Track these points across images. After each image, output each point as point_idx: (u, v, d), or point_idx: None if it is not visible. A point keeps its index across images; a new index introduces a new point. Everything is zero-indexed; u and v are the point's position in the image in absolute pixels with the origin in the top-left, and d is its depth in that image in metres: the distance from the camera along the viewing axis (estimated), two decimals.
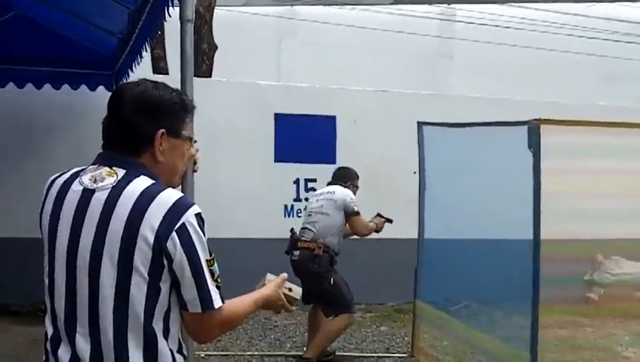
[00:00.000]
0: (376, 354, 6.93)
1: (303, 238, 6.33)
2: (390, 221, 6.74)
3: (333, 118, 8.67)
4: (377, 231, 6.68)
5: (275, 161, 8.53)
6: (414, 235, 6.88)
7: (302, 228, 6.46)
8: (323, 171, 8.54)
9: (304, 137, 8.55)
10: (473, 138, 6.01)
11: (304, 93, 8.80)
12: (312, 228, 6.31)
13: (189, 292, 1.97)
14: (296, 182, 8.60)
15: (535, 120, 4.81)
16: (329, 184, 6.71)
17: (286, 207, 8.61)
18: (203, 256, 1.98)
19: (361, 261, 8.58)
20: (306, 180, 8.61)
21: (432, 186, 6.68)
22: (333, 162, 8.56)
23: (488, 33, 11.26)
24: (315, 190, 8.58)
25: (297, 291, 2.38)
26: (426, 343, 6.87)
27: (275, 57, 10.40)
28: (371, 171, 8.63)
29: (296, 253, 6.32)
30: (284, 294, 2.33)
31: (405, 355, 6.76)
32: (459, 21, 11.53)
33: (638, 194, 6.32)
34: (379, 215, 6.74)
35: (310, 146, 8.58)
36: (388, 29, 10.38)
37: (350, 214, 6.38)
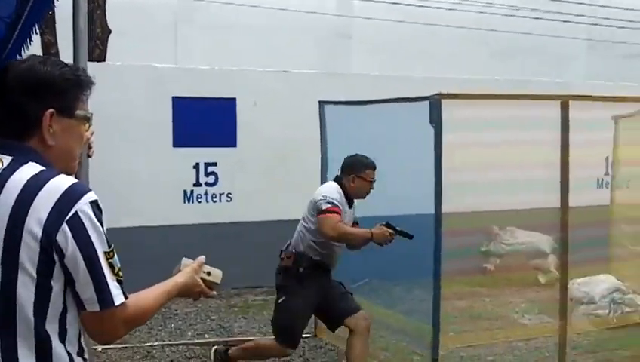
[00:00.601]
0: None
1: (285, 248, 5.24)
2: (409, 236, 5.14)
3: (233, 100, 8.53)
4: (380, 244, 5.09)
5: (174, 145, 8.31)
6: None
7: None
8: (224, 155, 8.49)
9: (203, 120, 8.36)
10: (375, 115, 6.07)
11: (202, 76, 8.60)
12: (294, 236, 5.22)
13: (86, 289, 1.77)
14: (196, 166, 8.41)
15: (436, 95, 4.90)
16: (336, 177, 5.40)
17: (185, 192, 8.40)
18: (100, 249, 1.78)
19: (262, 242, 8.53)
20: (206, 164, 8.44)
21: (334, 165, 6.68)
22: (234, 145, 8.50)
23: (387, 11, 11.35)
24: (215, 174, 8.55)
25: (217, 274, 2.21)
26: None
27: (173, 40, 10.16)
28: (274, 153, 8.60)
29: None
30: (203, 279, 2.16)
31: (309, 335, 6.70)
32: None
33: (531, 164, 6.54)
34: (387, 224, 5.08)
35: (210, 130, 8.41)
36: (285, 9, 10.31)
37: (318, 213, 4.99)
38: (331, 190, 5.09)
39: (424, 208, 5.14)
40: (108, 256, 1.80)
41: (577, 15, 14.53)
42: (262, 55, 9.97)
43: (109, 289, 1.79)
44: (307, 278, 5.02)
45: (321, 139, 6.78)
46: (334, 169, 6.60)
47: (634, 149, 7.12)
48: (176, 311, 7.55)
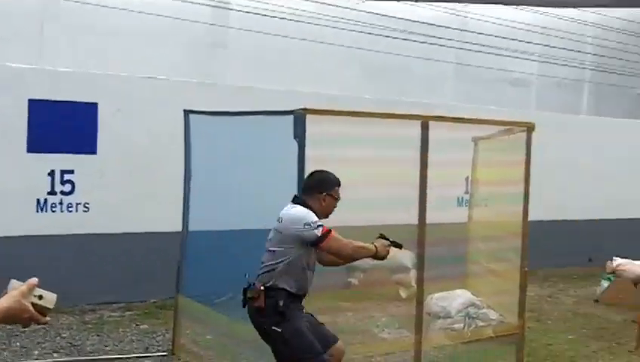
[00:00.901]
0: (135, 355, 6.58)
1: (248, 286, 4.59)
2: (399, 246, 5.03)
3: (95, 105, 8.20)
4: (380, 259, 4.86)
5: (28, 151, 7.86)
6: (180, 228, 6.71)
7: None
8: (82, 162, 8.12)
9: (62, 125, 7.98)
10: (241, 127, 5.98)
11: (63, 78, 8.21)
12: (262, 270, 4.57)
13: None
14: (51, 173, 7.98)
15: (301, 109, 4.88)
16: (293, 199, 4.72)
17: (39, 201, 7.95)
18: None
19: (121, 255, 8.26)
20: (62, 171, 8.03)
21: (198, 176, 6.53)
22: (94, 152, 8.17)
23: (264, 23, 11.29)
24: (72, 183, 8.14)
25: (50, 298, 2.03)
26: (188, 339, 6.72)
27: (38, 42, 9.67)
28: (136, 162, 8.34)
29: (246, 307, 4.66)
30: (33, 304, 1.98)
31: (166, 353, 6.54)
32: (233, 9, 11.42)
33: (394, 182, 6.63)
34: (382, 236, 4.94)
35: (68, 135, 8.03)
36: (160, 14, 10.03)
37: (314, 243, 4.47)
38: (307, 213, 4.50)
39: None
40: None
41: (447, 39, 15.02)
42: (131, 60, 9.65)
43: None
44: (289, 310, 4.49)
45: (185, 149, 6.60)
46: (198, 180, 6.49)
47: (491, 170, 7.38)
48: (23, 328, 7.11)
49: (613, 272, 9.70)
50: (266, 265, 4.52)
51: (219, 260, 6.14)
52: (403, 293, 8.83)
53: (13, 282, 2.02)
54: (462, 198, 9.98)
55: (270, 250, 4.55)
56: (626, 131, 13.63)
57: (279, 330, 4.45)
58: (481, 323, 7.41)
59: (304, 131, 4.84)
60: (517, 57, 16.48)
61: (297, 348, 4.46)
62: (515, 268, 6.24)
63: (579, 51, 18.05)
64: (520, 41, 16.56)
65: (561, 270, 11.95)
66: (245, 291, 4.57)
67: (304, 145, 4.86)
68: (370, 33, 13.08)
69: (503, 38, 15.82)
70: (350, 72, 13.88)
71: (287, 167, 4.96)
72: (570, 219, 12.50)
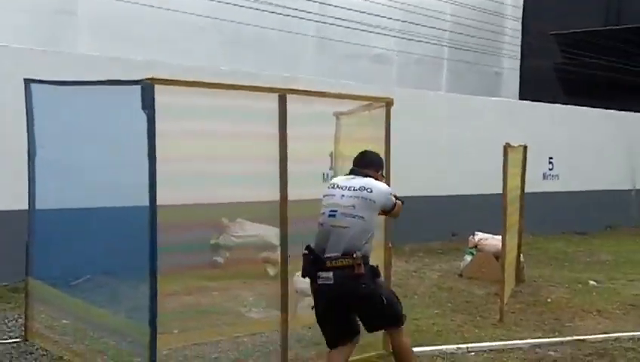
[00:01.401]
0: None
1: (332, 256, 4.79)
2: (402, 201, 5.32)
3: None
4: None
5: None
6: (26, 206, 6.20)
7: (322, 238, 4.92)
8: None
9: None
10: (87, 98, 5.54)
11: None
12: (340, 239, 4.82)
13: None
14: None
15: (148, 79, 4.54)
16: (353, 171, 5.16)
17: None
18: None
19: None
20: None
21: (45, 151, 6.03)
22: None
23: None
24: None
25: None
26: (43, 324, 6.30)
27: None
28: None
29: (327, 274, 4.78)
30: None
31: (19, 340, 6.09)
32: None
33: (258, 157, 6.38)
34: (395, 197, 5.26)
35: None
36: None
37: (389, 211, 5.17)
38: (389, 188, 5.17)
39: (140, 199, 4.76)
40: None
41: (308, 12, 14.88)
42: None
43: None
44: (377, 274, 5.05)
45: (27, 122, 6.07)
46: (45, 155, 5.98)
47: (353, 145, 7.23)
48: None
49: (476, 246, 9.92)
50: (349, 231, 4.83)
51: (71, 240, 5.77)
52: (271, 271, 8.57)
53: None
54: (327, 174, 9.86)
55: (355, 216, 4.86)
56: (483, 108, 13.97)
57: (380, 293, 4.94)
58: None
59: (153, 103, 4.51)
60: (378, 33, 16.60)
61: (394, 307, 5.04)
62: (379, 243, 6.15)
63: (438, 28, 18.46)
64: (381, 17, 16.68)
65: (426, 245, 12.18)
66: (319, 260, 4.80)
67: (154, 118, 4.52)
68: (227, 3, 12.71)
69: (364, 12, 15.86)
70: (206, 42, 13.46)
71: (137, 141, 4.60)
72: (434, 194, 12.71)
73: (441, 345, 6.49)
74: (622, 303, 8.45)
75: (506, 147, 7.62)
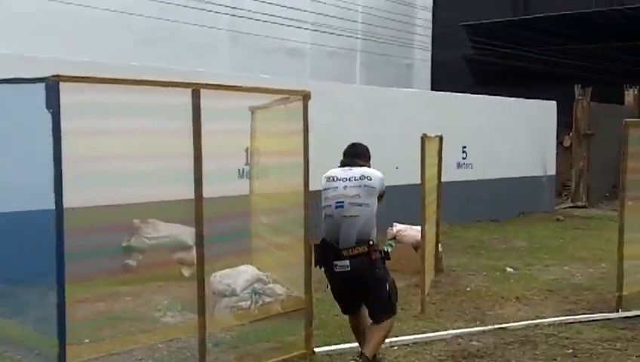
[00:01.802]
0: None
1: (348, 246, 5.25)
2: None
3: None
4: None
5: None
6: None
7: (332, 229, 5.34)
8: None
9: None
10: None
11: None
12: (351, 227, 5.27)
13: None
14: None
15: (54, 76, 4.28)
16: (346, 163, 5.64)
17: None
18: None
19: None
20: None
21: None
22: None
23: None
24: None
25: None
26: None
27: None
28: None
29: (344, 263, 5.24)
30: None
31: None
32: None
33: (171, 154, 6.15)
34: None
35: None
36: None
37: (381, 197, 5.61)
38: (378, 172, 5.62)
39: (45, 203, 4.50)
40: None
41: (220, 5, 14.61)
42: None
43: None
44: (387, 258, 5.55)
45: None
46: None
47: (270, 140, 7.09)
48: None
49: (394, 238, 9.89)
50: (358, 219, 5.27)
51: None
52: (186, 272, 8.38)
53: None
54: (243, 170, 9.68)
55: (360, 204, 5.31)
56: (397, 99, 14.00)
57: (386, 281, 5.38)
58: (268, 299, 7.16)
59: (58, 101, 4.26)
60: (290, 25, 16.47)
61: (394, 295, 5.48)
62: (300, 240, 6.02)
63: (351, 20, 18.45)
64: (295, 9, 16.55)
65: None
66: (336, 250, 5.23)
67: (59, 117, 4.26)
68: None
69: (277, 6, 15.70)
70: (119, 40, 13.09)
71: (42, 141, 4.33)
72: None
73: None
74: (539, 289, 8.58)
75: (423, 138, 7.60)
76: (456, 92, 15.72)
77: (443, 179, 9.84)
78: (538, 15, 19.86)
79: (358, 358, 5.33)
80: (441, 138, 9.38)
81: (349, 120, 12.77)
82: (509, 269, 9.80)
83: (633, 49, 19.84)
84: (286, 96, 6.29)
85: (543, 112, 17.23)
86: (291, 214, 6.32)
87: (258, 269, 7.41)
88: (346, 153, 5.76)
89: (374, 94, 13.77)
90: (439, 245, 9.57)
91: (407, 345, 6.34)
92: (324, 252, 5.34)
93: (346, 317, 6.67)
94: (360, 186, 5.38)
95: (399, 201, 12.35)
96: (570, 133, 18.67)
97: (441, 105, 14.54)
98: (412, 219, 10.04)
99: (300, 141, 5.95)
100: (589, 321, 7.13)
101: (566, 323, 7.05)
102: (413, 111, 13.53)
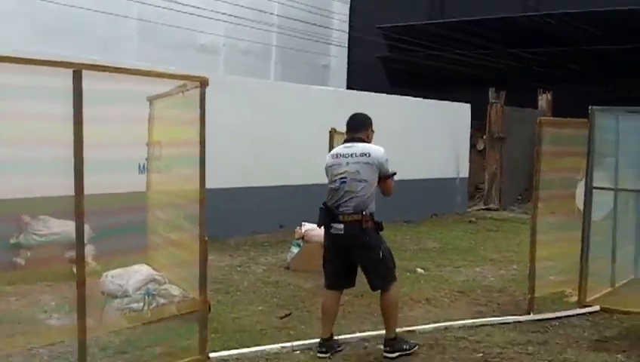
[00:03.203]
0: None
1: (345, 211, 5.77)
2: (393, 174, 6.13)
3: None
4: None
5: None
6: None
7: (335, 198, 5.84)
8: None
9: None
10: None
11: None
12: (352, 199, 5.77)
13: None
14: None
15: None
16: (348, 139, 6.01)
17: None
18: None
19: None
20: None
21: None
22: None
23: None
24: None
25: None
26: None
27: None
28: None
29: (339, 226, 5.78)
30: None
31: None
32: None
33: (60, 142, 5.60)
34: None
35: None
36: None
37: (386, 177, 5.94)
38: (384, 151, 5.91)
39: None
40: None
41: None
42: None
43: None
44: (381, 229, 5.88)
45: None
46: None
47: (168, 131, 6.59)
48: None
49: (303, 238, 9.52)
50: (359, 193, 5.75)
51: None
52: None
53: None
54: (142, 165, 9.10)
55: (360, 180, 5.76)
56: (311, 97, 13.66)
57: (379, 249, 5.80)
58: (162, 301, 6.66)
59: None
60: (201, 16, 16.02)
61: (388, 263, 5.87)
62: (195, 237, 5.55)
63: (266, 12, 18.06)
64: (207, 6, 16.10)
65: (253, 238, 11.69)
66: (334, 214, 5.77)
67: None
68: None
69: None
70: (19, 28, 12.42)
71: None
72: (260, 185, 12.26)
73: (264, 345, 5.99)
74: (450, 290, 8.36)
75: (332, 132, 7.25)
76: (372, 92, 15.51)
77: None
78: (454, 19, 19.91)
79: (320, 348, 5.85)
80: None
81: (262, 116, 12.37)
82: (419, 270, 9.56)
83: (547, 54, 20.12)
84: (184, 83, 5.79)
85: (457, 115, 17.22)
86: (187, 210, 5.84)
87: (153, 269, 6.92)
88: (347, 126, 6.11)
89: (288, 90, 13.40)
90: None
91: (311, 348, 5.97)
92: (326, 214, 5.83)
93: (246, 320, 6.33)
94: (359, 163, 5.79)
95: (309, 200, 12.04)
96: (484, 136, 18.75)
97: (356, 104, 14.17)
98: None
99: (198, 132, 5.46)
100: (500, 324, 6.92)
101: (476, 326, 6.82)
102: (328, 110, 13.18)
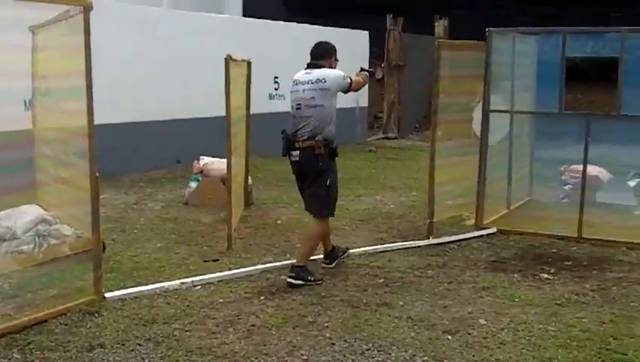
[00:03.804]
0: None
1: (299, 138, 5.95)
2: (371, 72, 6.81)
3: None
4: (364, 84, 6.55)
5: None
6: None
7: (294, 126, 6.02)
8: None
9: None
10: None
11: None
12: (307, 125, 5.93)
13: None
14: None
15: None
16: (310, 65, 6.13)
17: None
18: None
19: None
20: None
21: None
22: None
23: None
24: None
25: None
26: None
27: None
28: None
29: (295, 153, 5.98)
30: None
31: None
32: None
33: None
34: (362, 69, 6.70)
35: None
36: None
37: (347, 90, 6.20)
38: (340, 73, 6.12)
39: None
40: None
41: None
42: None
43: None
44: (333, 157, 6.09)
45: None
46: None
47: (53, 62, 6.16)
48: None
49: (201, 172, 9.29)
50: (313, 119, 5.90)
51: None
52: None
53: None
54: (28, 101, 8.58)
55: (316, 105, 5.91)
56: (206, 25, 13.20)
57: (327, 176, 6.02)
58: (54, 242, 6.36)
59: None
60: None
61: (331, 193, 6.11)
62: (85, 174, 5.26)
63: None
64: None
65: (149, 174, 11.34)
66: (291, 141, 5.96)
67: None
68: None
69: None
70: None
71: None
72: (155, 119, 11.84)
73: (163, 281, 5.82)
74: (351, 219, 8.37)
75: (228, 60, 6.98)
76: (268, 19, 15.12)
77: (255, 111, 9.31)
78: None
79: (324, 260, 6.37)
80: (249, 63, 8.79)
81: (154, 46, 11.88)
82: None
83: None
84: (67, 8, 5.38)
85: (355, 43, 17.04)
86: (77, 146, 5.50)
87: (43, 209, 6.57)
88: (311, 54, 6.22)
89: (181, 18, 12.89)
90: (249, 178, 9.07)
91: (212, 283, 5.84)
92: (285, 142, 6.02)
93: (144, 258, 6.17)
94: (315, 89, 5.92)
95: (207, 134, 11.77)
96: (382, 65, 18.73)
97: (254, 33, 13.93)
98: (221, 151, 9.47)
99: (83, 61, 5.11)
100: (401, 249, 6.98)
101: (377, 252, 6.86)
102: (223, 38, 12.80)
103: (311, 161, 5.92)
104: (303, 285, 5.79)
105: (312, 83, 5.96)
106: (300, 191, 6.30)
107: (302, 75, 6.11)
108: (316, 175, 5.98)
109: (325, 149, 5.93)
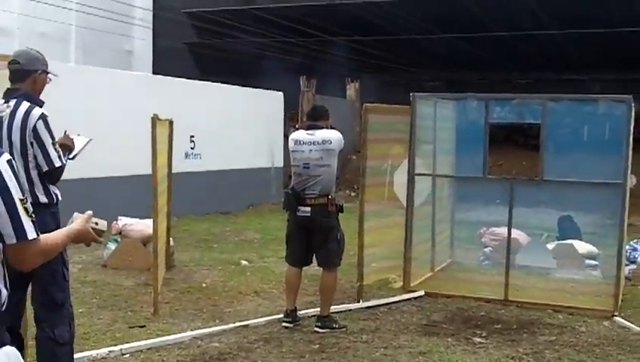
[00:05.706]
0: None
1: (310, 195, 6.24)
2: None
3: None
4: None
5: None
6: None
7: (302, 183, 6.31)
8: None
9: None
10: None
11: None
12: (317, 183, 6.24)
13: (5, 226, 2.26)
14: None
15: None
16: (310, 126, 6.46)
17: None
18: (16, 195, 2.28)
19: None
20: None
21: None
22: None
23: None
24: None
25: (103, 224, 2.91)
26: None
27: None
28: None
29: (306, 209, 6.25)
30: (92, 228, 2.79)
31: None
32: None
33: None
34: None
35: None
36: None
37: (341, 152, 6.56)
38: (338, 133, 6.43)
39: None
40: (22, 201, 2.32)
41: None
42: None
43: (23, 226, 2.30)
44: (341, 211, 6.42)
45: None
46: None
47: None
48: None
49: (120, 233, 8.94)
50: (323, 178, 6.26)
51: None
52: None
53: (76, 214, 2.86)
54: None
55: (323, 165, 6.25)
56: (119, 82, 12.92)
57: (337, 231, 6.36)
58: None
59: None
60: None
61: (341, 246, 6.43)
62: None
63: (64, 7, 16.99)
64: None
65: None
66: (300, 198, 6.26)
67: None
68: None
69: None
70: None
71: None
72: (65, 178, 11.35)
73: (89, 349, 5.48)
74: (277, 281, 8.19)
75: (154, 119, 6.80)
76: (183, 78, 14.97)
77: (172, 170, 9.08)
78: (263, 6, 19.72)
79: (285, 318, 6.39)
80: (171, 122, 8.62)
81: (66, 101, 11.49)
82: (244, 262, 9.34)
83: (355, 43, 20.47)
84: None
85: (271, 103, 17.09)
86: None
87: None
88: (308, 116, 6.73)
89: (94, 75, 12.57)
90: (171, 239, 8.79)
91: (141, 351, 5.55)
92: (292, 198, 6.28)
93: None
94: (322, 150, 6.26)
95: (125, 193, 11.41)
96: (297, 125, 18.80)
97: (169, 91, 13.71)
98: (139, 212, 9.17)
99: None
100: (332, 313, 6.85)
101: (309, 316, 6.71)
102: (138, 96, 12.56)
103: (323, 216, 6.26)
104: (329, 332, 6.25)
105: (317, 144, 6.29)
106: (294, 243, 6.48)
107: (303, 135, 6.41)
108: (328, 230, 6.31)
109: (335, 207, 6.30)
